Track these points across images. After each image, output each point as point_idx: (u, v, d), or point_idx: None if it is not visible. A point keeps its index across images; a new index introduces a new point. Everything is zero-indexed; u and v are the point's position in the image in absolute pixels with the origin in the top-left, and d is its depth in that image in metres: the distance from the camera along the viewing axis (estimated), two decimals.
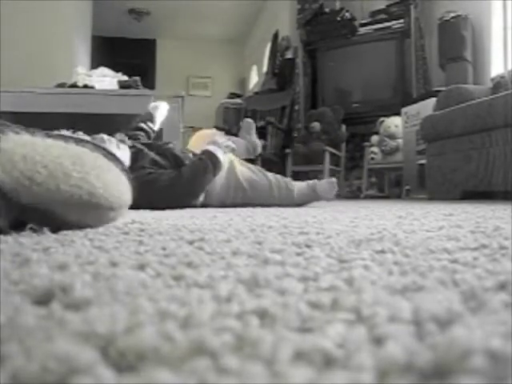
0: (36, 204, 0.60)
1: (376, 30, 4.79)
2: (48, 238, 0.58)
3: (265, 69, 6.34)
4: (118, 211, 0.71)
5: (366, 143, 4.28)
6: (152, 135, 2.11)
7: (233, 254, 0.45)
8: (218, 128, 5.56)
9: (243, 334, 0.20)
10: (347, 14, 4.83)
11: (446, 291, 0.29)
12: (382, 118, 4.18)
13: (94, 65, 4.37)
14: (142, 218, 0.98)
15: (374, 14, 4.87)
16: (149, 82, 5.41)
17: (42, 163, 0.60)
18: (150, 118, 2.16)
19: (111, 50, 6.57)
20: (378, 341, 0.19)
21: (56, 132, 0.67)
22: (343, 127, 4.48)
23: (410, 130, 3.79)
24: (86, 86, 2.73)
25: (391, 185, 4.49)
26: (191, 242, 0.54)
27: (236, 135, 5.76)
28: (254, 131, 2.11)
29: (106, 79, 2.89)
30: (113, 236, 0.61)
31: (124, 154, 1.59)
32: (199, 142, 1.88)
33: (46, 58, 4.16)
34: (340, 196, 4.46)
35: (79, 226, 0.68)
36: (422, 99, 3.73)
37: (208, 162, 1.73)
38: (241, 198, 1.88)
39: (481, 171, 2.49)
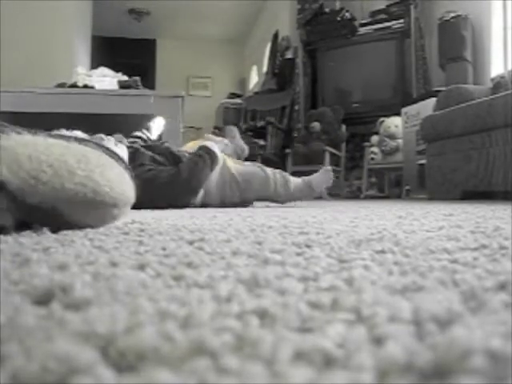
0: (41, 203, 0.60)
1: (376, 30, 4.80)
2: (48, 237, 0.58)
3: (265, 69, 6.34)
4: (121, 209, 0.71)
5: (366, 143, 4.28)
6: (148, 143, 2.12)
7: (233, 254, 0.45)
8: (217, 128, 5.57)
9: (243, 333, 0.20)
10: (347, 14, 4.83)
11: (446, 291, 0.29)
12: (381, 118, 4.18)
13: (94, 65, 4.37)
14: (142, 218, 0.98)
15: (374, 14, 4.87)
16: (149, 82, 5.42)
17: (47, 162, 0.60)
18: (147, 128, 2.18)
19: (111, 50, 6.57)
20: (378, 341, 0.19)
21: (56, 132, 0.67)
22: (343, 127, 4.48)
23: (410, 130, 3.79)
24: (86, 86, 2.73)
25: (391, 185, 4.49)
26: (191, 242, 0.54)
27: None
28: (238, 136, 2.14)
29: (106, 79, 2.89)
30: (113, 236, 0.61)
31: (122, 152, 1.59)
32: (194, 147, 1.92)
33: (45, 58, 4.16)
34: (340, 196, 4.47)
35: (83, 225, 0.68)
36: (422, 99, 3.73)
37: (206, 156, 1.75)
38: (238, 193, 1.88)
39: (481, 171, 2.49)
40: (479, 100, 2.56)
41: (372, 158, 4.21)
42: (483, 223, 0.82)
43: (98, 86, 2.76)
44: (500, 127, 2.34)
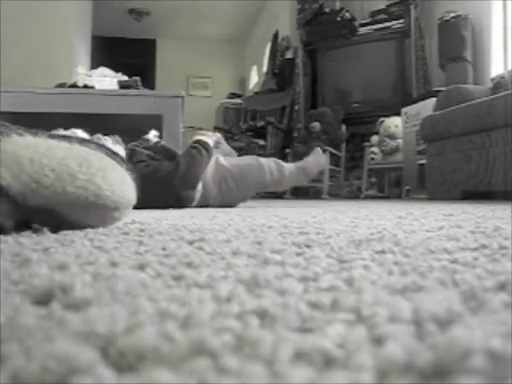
0: (42, 206, 0.60)
1: (376, 30, 4.80)
2: (48, 237, 0.58)
3: (265, 69, 6.34)
4: (122, 211, 0.71)
5: (366, 143, 4.28)
6: (144, 145, 2.13)
7: (233, 254, 0.45)
8: (217, 128, 5.57)
9: (243, 334, 0.20)
10: (347, 14, 4.83)
11: (446, 291, 0.29)
12: (381, 118, 4.18)
13: (94, 65, 4.37)
14: (141, 218, 0.98)
15: (374, 14, 4.87)
16: (149, 82, 5.42)
17: (49, 166, 0.60)
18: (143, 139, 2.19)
19: (111, 50, 6.57)
20: (378, 341, 0.19)
21: (57, 132, 0.67)
22: (343, 127, 4.48)
23: (410, 130, 3.79)
24: (86, 86, 2.73)
25: (391, 185, 4.49)
26: (191, 242, 0.54)
27: (235, 135, 5.77)
28: (223, 141, 2.16)
29: (106, 79, 2.89)
30: (113, 236, 0.61)
31: (120, 152, 1.61)
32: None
33: (46, 58, 4.16)
34: (340, 196, 4.47)
35: (83, 226, 0.68)
36: (422, 99, 3.73)
37: (201, 148, 1.78)
38: (235, 185, 1.89)
39: (481, 171, 2.49)
40: (479, 100, 2.57)
41: (372, 158, 4.21)
42: (483, 223, 0.82)
43: (98, 86, 2.76)
44: (500, 127, 2.34)
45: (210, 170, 1.84)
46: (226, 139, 4.75)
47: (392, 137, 4.06)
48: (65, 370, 0.16)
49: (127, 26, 7.29)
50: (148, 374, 0.16)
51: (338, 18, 4.85)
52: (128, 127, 2.65)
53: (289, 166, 2.03)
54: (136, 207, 0.78)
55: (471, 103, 2.60)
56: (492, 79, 3.44)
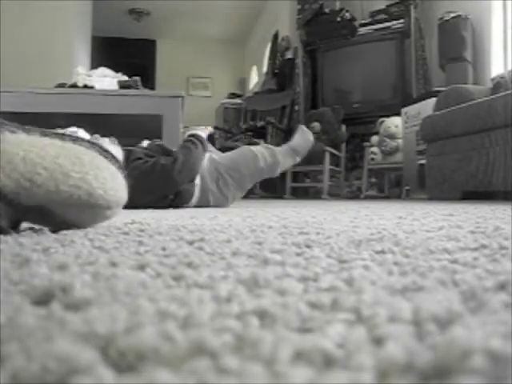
0: (35, 204, 0.61)
1: (376, 30, 4.80)
2: (48, 238, 0.58)
3: (265, 69, 6.35)
4: (113, 210, 0.72)
5: (366, 143, 4.28)
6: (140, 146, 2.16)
7: (233, 255, 0.45)
8: (217, 128, 5.57)
9: (243, 334, 0.20)
10: (347, 15, 4.83)
11: (446, 291, 0.29)
12: (382, 119, 4.18)
13: (94, 65, 4.37)
14: (141, 218, 0.98)
15: (374, 14, 4.87)
16: (149, 82, 5.42)
17: (41, 165, 0.60)
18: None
19: (111, 50, 6.57)
20: (378, 341, 0.19)
21: (51, 130, 0.67)
22: (343, 127, 4.48)
23: (410, 130, 3.79)
24: (86, 86, 2.73)
25: (391, 185, 4.49)
26: (191, 243, 0.54)
27: (235, 135, 5.77)
28: (211, 146, 2.21)
29: (106, 79, 2.89)
30: (113, 236, 0.61)
31: (117, 153, 1.62)
32: None
33: (45, 58, 4.16)
34: (340, 196, 4.47)
35: (75, 224, 0.68)
36: (422, 99, 3.73)
37: (196, 140, 1.81)
38: (230, 178, 1.91)
39: (481, 171, 2.49)
40: (479, 100, 2.56)
41: (372, 158, 4.21)
42: (483, 223, 0.82)
43: (98, 86, 2.76)
44: (500, 127, 2.34)
45: (205, 166, 1.85)
46: (226, 139, 4.76)
47: (392, 137, 4.06)
48: (65, 369, 0.16)
49: (127, 26, 7.29)
50: (148, 374, 0.16)
51: (338, 18, 4.85)
52: (128, 127, 2.65)
53: (280, 149, 2.07)
54: (137, 206, 0.78)
55: (471, 103, 2.60)
56: (492, 79, 3.43)
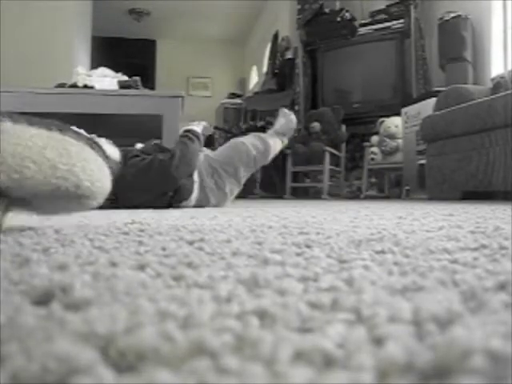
0: (23, 195, 0.62)
1: (376, 30, 4.80)
2: (48, 238, 0.58)
3: (265, 69, 6.34)
4: (99, 200, 0.73)
5: (366, 143, 4.28)
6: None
7: (233, 255, 0.45)
8: (217, 128, 5.57)
9: (243, 334, 0.20)
10: (347, 15, 4.83)
11: (446, 291, 0.29)
12: (381, 119, 4.18)
13: (94, 65, 4.37)
14: (141, 218, 0.98)
15: (374, 14, 4.87)
16: (149, 82, 5.42)
17: (30, 158, 0.61)
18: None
19: (111, 50, 6.57)
20: (378, 341, 0.19)
21: (37, 118, 0.67)
22: (343, 127, 4.48)
23: (410, 130, 3.79)
24: (86, 86, 2.72)
25: (391, 185, 4.49)
26: (191, 243, 0.54)
27: (236, 135, 5.77)
28: (211, 129, 2.26)
29: (106, 79, 2.89)
30: (113, 236, 0.61)
31: (115, 153, 1.62)
32: None
33: (45, 58, 4.16)
34: (340, 196, 4.47)
35: (60, 213, 0.71)
36: (422, 99, 3.73)
37: (192, 135, 1.83)
38: (225, 174, 1.93)
39: (481, 171, 2.49)
40: (479, 100, 2.56)
41: (372, 158, 4.20)
42: (483, 223, 0.82)
43: (98, 86, 2.76)
44: (500, 127, 2.34)
45: (201, 162, 1.87)
46: (226, 139, 4.73)
47: (392, 137, 4.06)
48: (65, 370, 0.16)
49: (127, 26, 7.29)
50: (148, 374, 0.16)
51: (338, 18, 4.85)
52: (128, 127, 2.65)
53: (268, 135, 2.12)
54: (137, 206, 0.78)
55: (471, 103, 2.60)
56: (492, 79, 3.43)
